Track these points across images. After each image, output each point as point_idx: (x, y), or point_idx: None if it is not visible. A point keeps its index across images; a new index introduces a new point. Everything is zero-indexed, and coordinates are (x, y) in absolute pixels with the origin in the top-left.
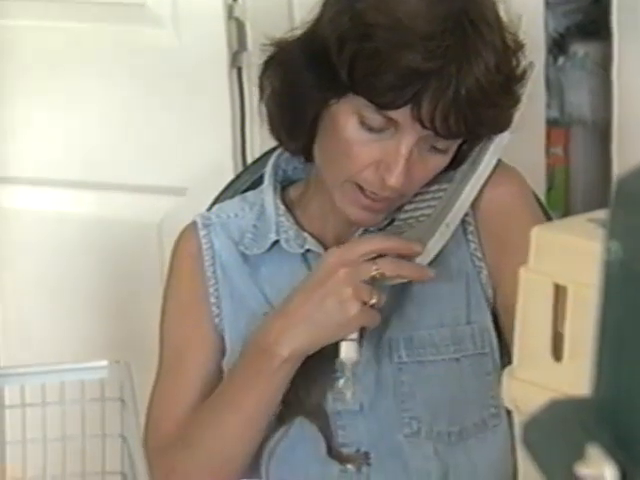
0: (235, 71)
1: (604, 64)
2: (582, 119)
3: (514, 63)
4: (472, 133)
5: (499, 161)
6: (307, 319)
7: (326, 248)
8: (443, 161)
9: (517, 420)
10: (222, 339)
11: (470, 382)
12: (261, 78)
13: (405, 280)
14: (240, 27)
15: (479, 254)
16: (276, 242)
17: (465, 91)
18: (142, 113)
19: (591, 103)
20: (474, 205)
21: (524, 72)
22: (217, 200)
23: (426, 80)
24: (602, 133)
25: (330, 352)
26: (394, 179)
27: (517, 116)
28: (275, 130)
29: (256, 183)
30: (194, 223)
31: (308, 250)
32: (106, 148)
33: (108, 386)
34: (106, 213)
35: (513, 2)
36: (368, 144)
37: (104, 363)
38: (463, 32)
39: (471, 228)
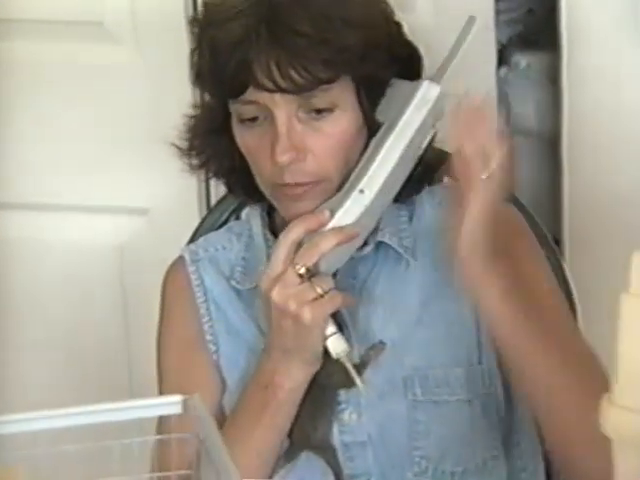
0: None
1: (549, 75)
2: (528, 130)
3: (349, 3)
4: (323, 77)
5: None
6: (286, 350)
7: None
8: (341, 121)
9: (617, 449)
10: (222, 375)
11: (479, 423)
12: (189, 150)
13: (346, 253)
14: None
15: None
16: None
17: (280, 41)
18: (103, 131)
19: (537, 114)
20: None
21: (368, 13)
22: (204, 221)
23: (243, 50)
24: (548, 143)
25: (332, 384)
26: (280, 155)
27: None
28: (234, 189)
29: (243, 203)
30: (182, 259)
31: None
32: (66, 168)
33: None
34: (66, 235)
35: (463, 12)
36: (258, 141)
37: (178, 398)
38: None
39: None
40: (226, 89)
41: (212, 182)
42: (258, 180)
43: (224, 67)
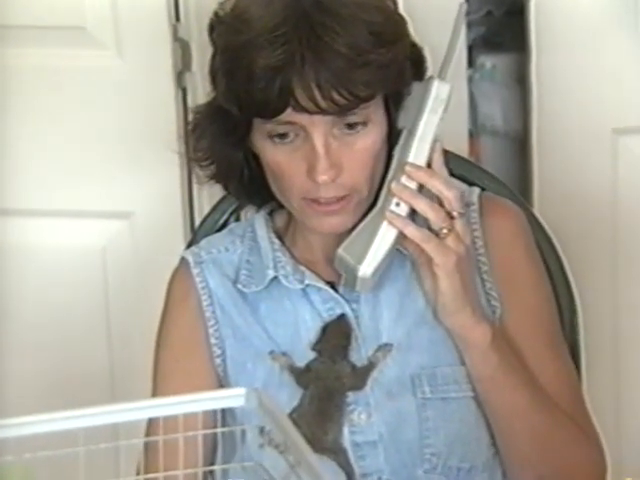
0: (180, 92)
1: (514, 76)
2: (495, 129)
3: (379, 20)
4: (363, 96)
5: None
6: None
7: (322, 278)
8: (372, 134)
9: None
10: (220, 382)
11: (484, 420)
12: (194, 151)
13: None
14: (185, 48)
15: (494, 294)
16: (274, 278)
17: (325, 63)
18: (86, 135)
19: (503, 114)
20: (485, 244)
21: (396, 28)
22: (204, 222)
23: (286, 74)
24: (515, 143)
25: (341, 388)
26: (322, 175)
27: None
28: (235, 194)
29: (243, 204)
30: (185, 261)
31: (307, 284)
32: (48, 172)
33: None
34: (50, 239)
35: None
36: (290, 157)
37: (241, 391)
38: (303, 13)
39: (485, 268)
40: (263, 111)
41: (195, 186)
42: (282, 193)
43: (264, 91)
